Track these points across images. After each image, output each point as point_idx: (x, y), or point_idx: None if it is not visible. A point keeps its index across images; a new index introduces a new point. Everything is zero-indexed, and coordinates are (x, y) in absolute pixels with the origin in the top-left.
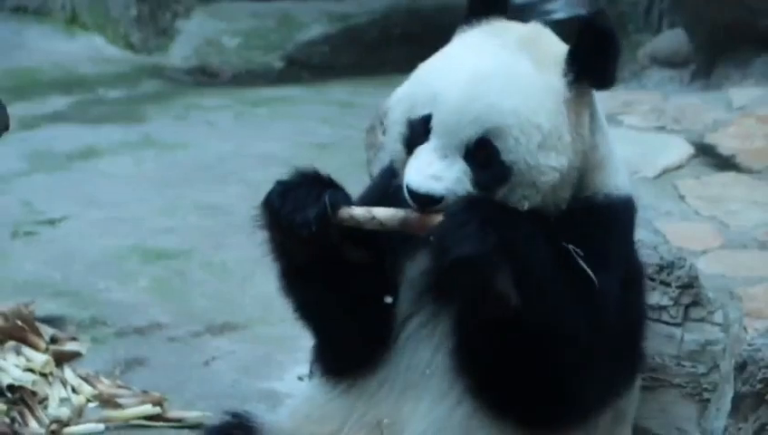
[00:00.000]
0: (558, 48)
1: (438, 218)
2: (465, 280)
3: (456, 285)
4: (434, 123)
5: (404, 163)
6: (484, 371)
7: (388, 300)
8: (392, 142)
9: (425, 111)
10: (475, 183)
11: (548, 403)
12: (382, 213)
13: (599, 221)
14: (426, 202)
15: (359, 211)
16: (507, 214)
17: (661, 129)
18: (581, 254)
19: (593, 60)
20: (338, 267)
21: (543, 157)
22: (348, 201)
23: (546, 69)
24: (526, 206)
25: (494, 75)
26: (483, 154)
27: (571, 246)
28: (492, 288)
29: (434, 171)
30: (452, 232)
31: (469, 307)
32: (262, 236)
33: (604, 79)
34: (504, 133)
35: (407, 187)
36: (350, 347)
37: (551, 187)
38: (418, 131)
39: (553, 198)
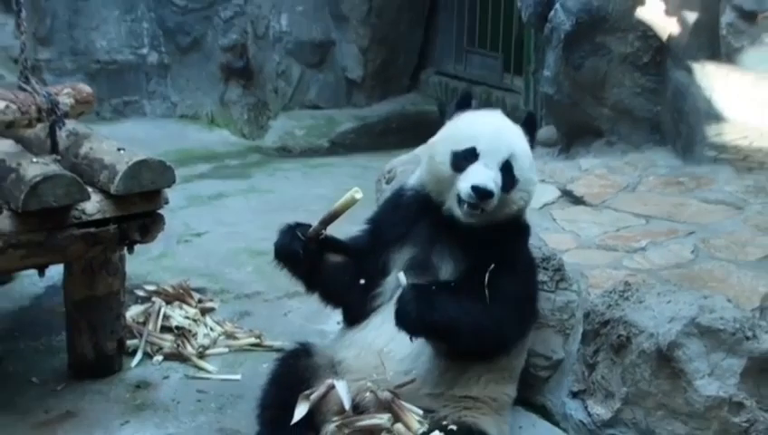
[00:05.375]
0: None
1: None
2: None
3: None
4: (480, 151)
5: (450, 176)
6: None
7: (362, 282)
8: (439, 165)
9: (468, 145)
10: (502, 186)
11: (486, 346)
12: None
13: (518, 233)
14: (485, 194)
15: (314, 226)
16: (432, 300)
17: (542, 181)
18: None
19: (530, 132)
20: (327, 268)
21: (531, 173)
22: (307, 227)
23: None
24: (522, 204)
25: (508, 127)
26: (507, 169)
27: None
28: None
29: (491, 176)
30: (408, 311)
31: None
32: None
33: (532, 143)
34: (517, 158)
35: (473, 186)
36: (356, 311)
37: (532, 193)
38: (465, 157)
39: (517, 210)
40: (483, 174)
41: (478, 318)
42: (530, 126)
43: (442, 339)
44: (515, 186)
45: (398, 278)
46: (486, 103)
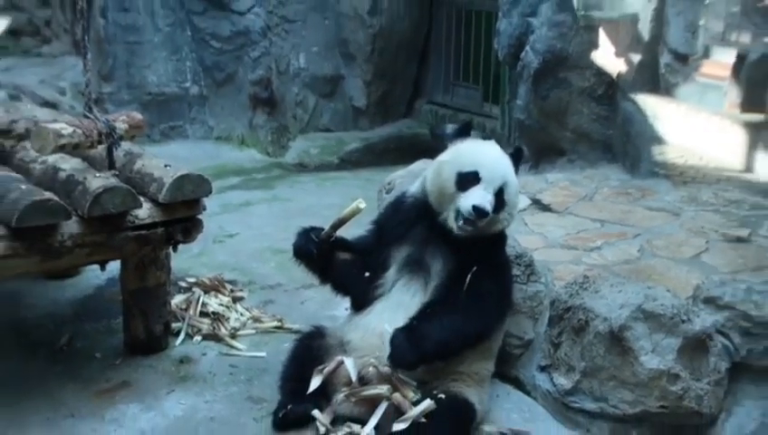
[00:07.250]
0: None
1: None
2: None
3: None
4: (482, 176)
5: (452, 193)
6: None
7: (367, 275)
8: (444, 182)
9: (472, 169)
10: (493, 208)
11: (474, 345)
12: (333, 222)
13: (499, 240)
14: (482, 214)
15: (326, 229)
16: (418, 333)
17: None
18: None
19: (516, 161)
20: (337, 264)
21: (516, 198)
22: (320, 230)
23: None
24: (506, 223)
25: (503, 158)
26: (500, 193)
27: (471, 273)
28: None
29: (489, 200)
30: (401, 350)
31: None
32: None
33: (517, 170)
34: (508, 184)
35: (474, 205)
36: (361, 299)
37: (515, 215)
38: (469, 179)
39: (502, 228)
40: (482, 197)
41: (462, 329)
42: (517, 157)
43: (438, 360)
44: (503, 208)
45: (385, 329)
46: None
